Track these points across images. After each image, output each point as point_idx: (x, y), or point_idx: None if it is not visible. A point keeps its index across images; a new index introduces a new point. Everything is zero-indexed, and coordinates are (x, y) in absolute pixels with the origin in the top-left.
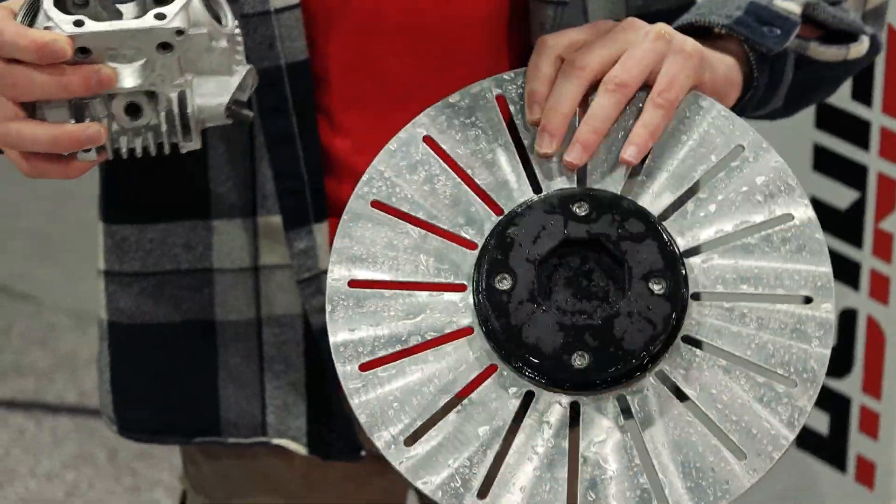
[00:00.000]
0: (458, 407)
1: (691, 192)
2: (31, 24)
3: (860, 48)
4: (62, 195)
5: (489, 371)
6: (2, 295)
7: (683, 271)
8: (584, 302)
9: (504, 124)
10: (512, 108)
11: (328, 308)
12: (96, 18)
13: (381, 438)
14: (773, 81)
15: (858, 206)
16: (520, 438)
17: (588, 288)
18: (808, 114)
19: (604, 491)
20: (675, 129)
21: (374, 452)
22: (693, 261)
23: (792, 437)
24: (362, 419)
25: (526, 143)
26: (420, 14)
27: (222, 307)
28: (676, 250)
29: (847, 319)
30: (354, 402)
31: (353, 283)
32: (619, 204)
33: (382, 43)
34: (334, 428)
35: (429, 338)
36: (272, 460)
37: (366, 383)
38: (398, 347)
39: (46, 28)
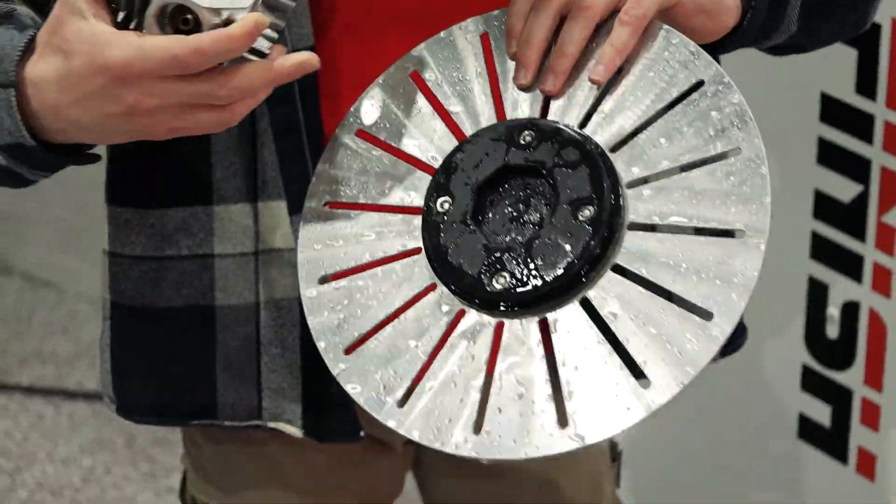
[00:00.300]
0: (395, 321)
1: (648, 124)
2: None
3: None
4: (85, 184)
5: (428, 290)
6: (25, 283)
7: (613, 200)
8: (518, 227)
9: (483, 59)
10: (493, 44)
11: (301, 234)
12: None
13: (323, 346)
14: (777, 3)
15: (862, 200)
16: (443, 354)
17: (524, 213)
18: (812, 107)
19: (509, 410)
20: (641, 64)
21: (373, 434)
22: (633, 191)
23: (696, 371)
24: (315, 332)
25: (499, 76)
26: None
27: (222, 292)
28: (607, 179)
29: (849, 312)
30: (310, 319)
31: (330, 204)
32: (560, 133)
33: (387, 26)
34: (331, 410)
35: (380, 257)
36: (272, 444)
37: (320, 296)
38: (352, 264)
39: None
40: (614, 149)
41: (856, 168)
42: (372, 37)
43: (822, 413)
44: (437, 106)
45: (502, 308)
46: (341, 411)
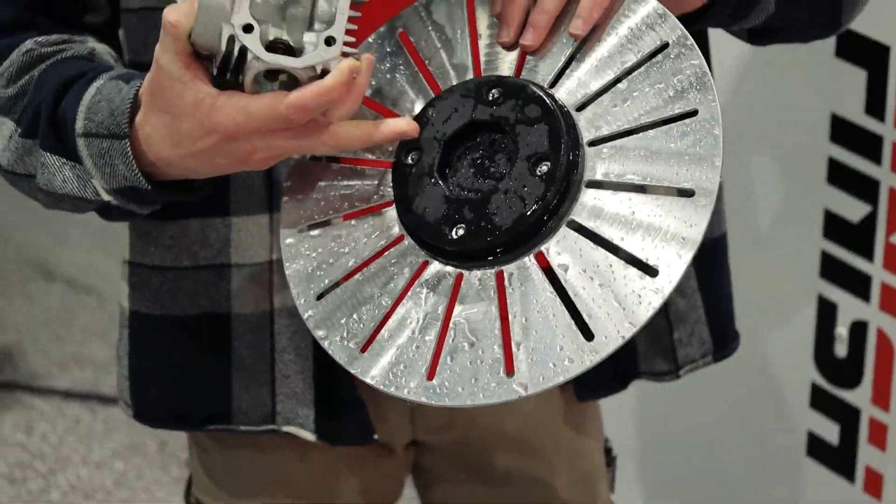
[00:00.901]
0: (363, 270)
1: (612, 84)
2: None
3: None
4: None
5: (397, 241)
6: (66, 287)
7: (570, 157)
8: (481, 180)
9: (467, 19)
10: (477, 3)
11: (287, 184)
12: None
13: (298, 295)
14: None
15: (870, 220)
16: (405, 303)
17: (488, 168)
18: (822, 128)
19: (460, 358)
20: (611, 25)
21: (381, 439)
22: (594, 150)
23: (636, 327)
24: (290, 278)
25: (480, 36)
26: None
27: (238, 300)
28: (566, 136)
29: (857, 331)
30: (287, 267)
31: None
32: (524, 90)
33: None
34: (344, 414)
35: (357, 208)
36: (277, 447)
37: (297, 243)
38: (331, 214)
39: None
40: (581, 108)
41: (865, 188)
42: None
43: (830, 431)
44: (420, 64)
45: (461, 259)
46: (354, 415)
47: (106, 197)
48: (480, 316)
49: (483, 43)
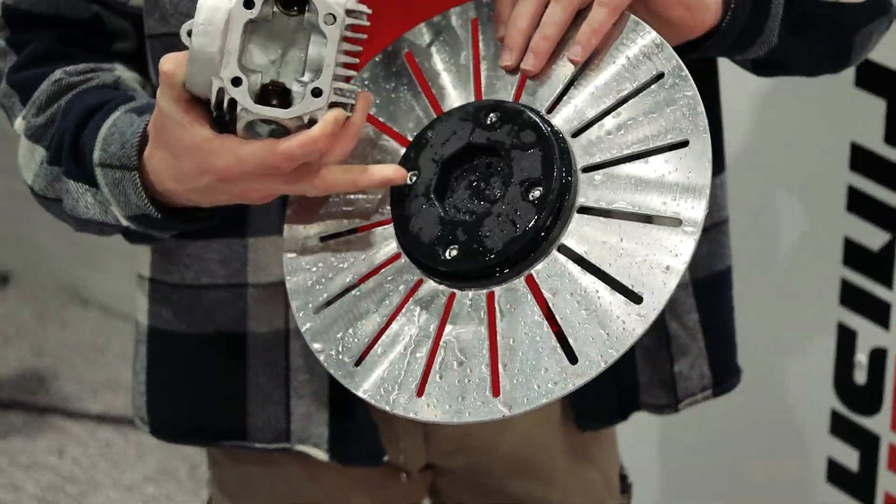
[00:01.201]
0: (360, 286)
1: (608, 112)
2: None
3: None
4: None
5: (393, 258)
6: (100, 313)
7: (562, 183)
8: (476, 202)
9: (470, 42)
10: (481, 28)
11: (290, 199)
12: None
13: (297, 308)
14: (759, 10)
15: (889, 248)
16: (399, 319)
17: (484, 190)
18: (842, 156)
19: (449, 376)
20: (609, 54)
21: (393, 461)
22: (586, 176)
23: (619, 353)
24: (290, 292)
25: (482, 58)
26: None
27: (254, 319)
28: (559, 162)
29: (877, 359)
30: (287, 281)
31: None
32: (521, 116)
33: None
34: (356, 435)
35: (357, 224)
36: (293, 466)
37: (298, 258)
38: (333, 229)
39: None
40: (576, 134)
41: (884, 216)
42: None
43: (850, 457)
44: (424, 85)
45: (454, 279)
46: (365, 437)
47: (124, 223)
48: (470, 335)
49: (485, 65)
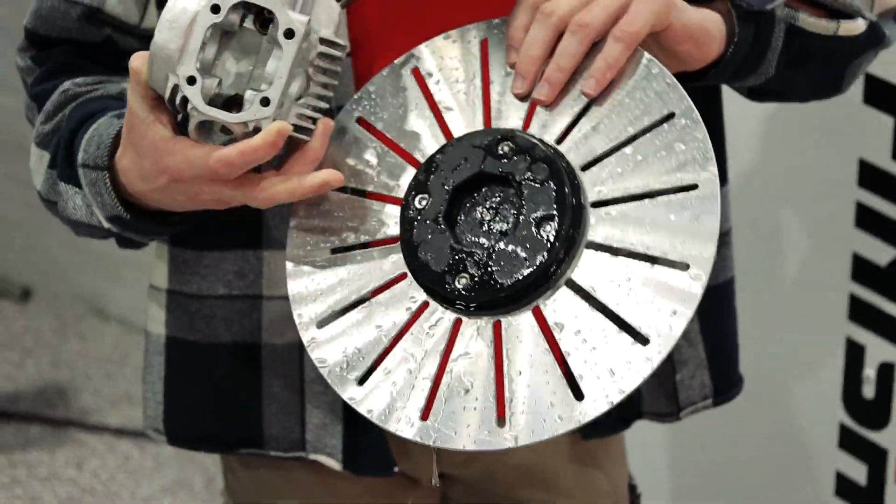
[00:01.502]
0: (366, 304)
1: (618, 148)
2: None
3: (852, 27)
4: None
5: (399, 278)
6: (119, 327)
7: (573, 219)
8: (486, 232)
9: (480, 64)
10: (491, 50)
11: (295, 210)
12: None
13: (300, 317)
14: (759, 42)
15: None
16: (405, 341)
17: (494, 220)
18: (851, 172)
19: (454, 401)
20: (620, 90)
21: (403, 471)
22: (596, 212)
23: (624, 393)
24: (293, 305)
25: (491, 82)
26: None
27: (269, 331)
28: (570, 199)
29: (885, 373)
30: (290, 289)
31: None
32: (535, 148)
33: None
34: (368, 446)
35: (362, 241)
36: (307, 474)
37: (302, 269)
38: (336, 244)
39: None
40: (585, 167)
41: (892, 232)
42: (403, 21)
43: (858, 471)
44: (432, 104)
45: (461, 306)
46: (377, 447)
47: (105, 224)
48: (476, 363)
49: (495, 90)
